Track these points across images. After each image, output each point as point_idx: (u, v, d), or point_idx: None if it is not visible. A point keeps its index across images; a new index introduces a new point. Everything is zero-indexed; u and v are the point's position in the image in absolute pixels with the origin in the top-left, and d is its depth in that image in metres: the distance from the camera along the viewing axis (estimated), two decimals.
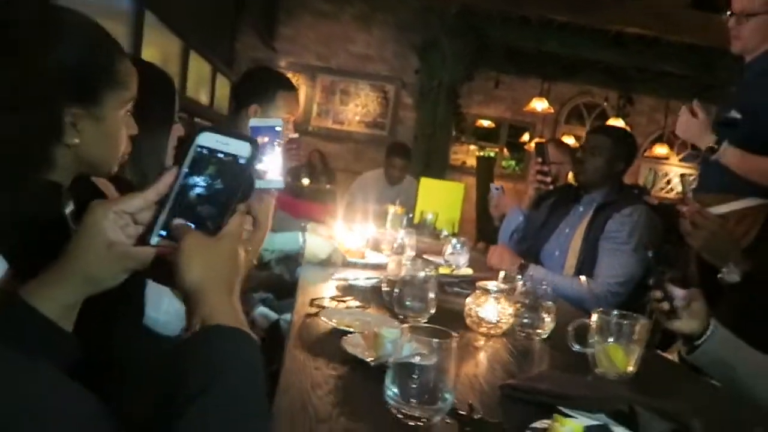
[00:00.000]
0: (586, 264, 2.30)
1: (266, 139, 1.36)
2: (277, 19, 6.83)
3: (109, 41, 0.82)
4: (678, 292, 1.25)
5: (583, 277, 1.82)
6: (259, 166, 1.32)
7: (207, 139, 0.69)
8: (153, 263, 0.67)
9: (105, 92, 0.80)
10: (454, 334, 0.88)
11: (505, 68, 6.97)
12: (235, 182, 0.69)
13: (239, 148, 0.70)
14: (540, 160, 2.47)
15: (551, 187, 2.49)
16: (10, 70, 0.72)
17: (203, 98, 4.36)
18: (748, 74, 2.07)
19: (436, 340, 0.87)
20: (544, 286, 1.43)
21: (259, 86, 2.17)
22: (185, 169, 0.68)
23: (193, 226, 0.67)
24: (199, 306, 0.62)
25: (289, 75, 7.72)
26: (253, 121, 1.34)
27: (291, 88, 2.24)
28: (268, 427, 0.59)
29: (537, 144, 2.74)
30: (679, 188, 6.87)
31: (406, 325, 0.89)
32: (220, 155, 0.69)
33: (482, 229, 5.18)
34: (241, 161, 0.70)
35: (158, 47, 3.08)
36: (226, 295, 0.63)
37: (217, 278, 0.63)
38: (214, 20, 4.51)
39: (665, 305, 1.26)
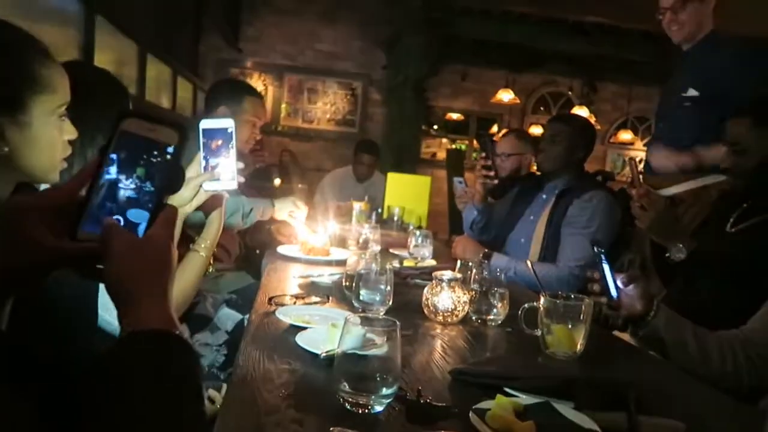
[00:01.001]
0: (549, 250, 2.35)
1: (220, 142, 1.36)
2: (240, 19, 6.78)
3: (29, 46, 0.82)
4: (619, 279, 1.30)
5: (529, 262, 1.87)
6: (215, 169, 1.33)
7: (132, 125, 0.64)
8: (81, 258, 0.63)
9: (29, 98, 0.80)
10: (397, 323, 0.90)
11: (471, 61, 7.03)
12: (163, 172, 0.64)
13: (166, 135, 0.64)
14: (483, 154, 2.53)
15: (496, 181, 2.55)
16: None
17: (164, 102, 4.31)
18: (691, 59, 2.19)
19: (380, 329, 0.90)
20: (498, 273, 1.47)
21: (227, 91, 2.36)
22: (109, 159, 0.63)
23: (121, 219, 0.63)
24: (128, 308, 0.60)
25: (256, 76, 7.56)
26: (204, 123, 1.34)
27: (258, 95, 2.45)
28: (202, 429, 0.59)
29: (479, 137, 2.82)
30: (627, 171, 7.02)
31: (349, 316, 0.91)
32: (147, 143, 0.64)
33: (455, 221, 5.23)
34: (169, 150, 0.64)
35: (113, 52, 3.04)
36: (157, 296, 0.61)
37: (146, 279, 0.61)
38: (174, 22, 4.46)
39: (604, 298, 1.31)
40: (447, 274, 1.45)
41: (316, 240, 2.21)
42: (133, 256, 0.61)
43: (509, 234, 2.57)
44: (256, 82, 6.81)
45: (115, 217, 0.63)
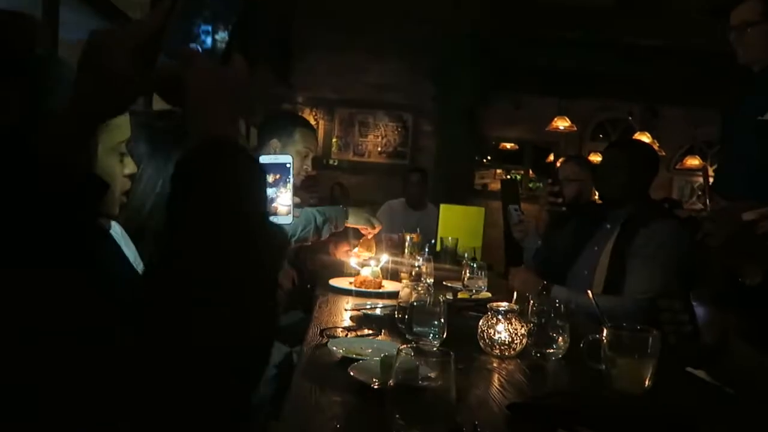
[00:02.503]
0: (614, 281, 2.25)
1: (277, 176, 1.39)
2: (291, 54, 6.98)
3: None
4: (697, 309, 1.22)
5: (590, 292, 1.78)
6: (272, 203, 1.35)
7: None
8: (159, 83, 0.66)
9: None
10: (451, 353, 0.87)
11: (524, 88, 6.96)
12: (240, 7, 0.66)
13: None
14: (550, 181, 2.48)
15: (564, 208, 2.47)
16: None
17: None
18: (762, 83, 2.08)
19: (433, 359, 0.87)
20: (557, 305, 1.41)
21: (279, 124, 2.43)
22: None
23: (199, 49, 0.65)
24: (199, 120, 0.62)
25: (307, 110, 7.72)
26: (263, 159, 1.37)
27: (309, 127, 2.50)
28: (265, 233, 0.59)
29: (548, 164, 2.78)
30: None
31: (402, 347, 0.88)
32: None
33: (511, 253, 5.12)
34: None
35: None
36: (227, 115, 0.63)
37: (220, 98, 0.63)
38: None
39: (688, 327, 1.23)
40: (503, 306, 1.40)
41: (369, 272, 2.20)
42: (211, 77, 0.63)
43: (571, 267, 2.48)
44: (308, 116, 6.96)
45: (193, 45, 0.65)
